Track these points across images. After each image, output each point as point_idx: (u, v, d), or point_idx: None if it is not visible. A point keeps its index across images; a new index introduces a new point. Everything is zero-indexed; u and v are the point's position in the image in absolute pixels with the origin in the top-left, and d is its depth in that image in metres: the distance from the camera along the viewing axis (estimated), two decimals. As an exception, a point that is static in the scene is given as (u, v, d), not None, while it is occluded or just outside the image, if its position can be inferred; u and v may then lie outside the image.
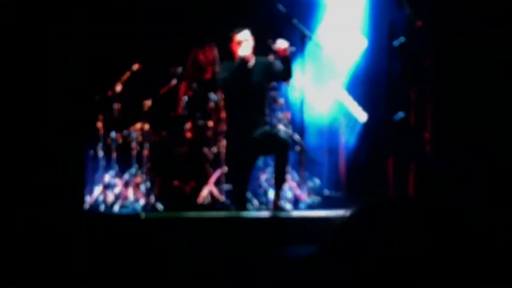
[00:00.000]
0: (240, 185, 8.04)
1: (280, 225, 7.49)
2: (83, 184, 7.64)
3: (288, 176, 8.85)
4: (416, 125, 9.08)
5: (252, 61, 8.02)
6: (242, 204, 8.01)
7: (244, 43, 7.95)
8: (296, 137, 9.46)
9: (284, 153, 7.88)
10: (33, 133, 6.31)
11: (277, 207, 8.00)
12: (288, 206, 8.72)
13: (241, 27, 8.09)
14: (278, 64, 8.05)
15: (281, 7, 8.60)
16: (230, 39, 8.05)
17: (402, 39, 8.75)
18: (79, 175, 6.86)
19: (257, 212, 8.27)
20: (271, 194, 8.96)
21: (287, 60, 7.94)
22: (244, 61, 7.91)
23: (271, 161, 9.15)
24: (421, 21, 9.21)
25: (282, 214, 7.77)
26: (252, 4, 10.33)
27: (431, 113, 9.18)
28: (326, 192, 9.93)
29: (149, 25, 10.06)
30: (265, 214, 7.71)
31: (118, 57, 9.57)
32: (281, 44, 7.83)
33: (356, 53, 10.54)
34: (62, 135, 6.35)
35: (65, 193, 6.40)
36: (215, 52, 9.76)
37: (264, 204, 9.04)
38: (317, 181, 9.98)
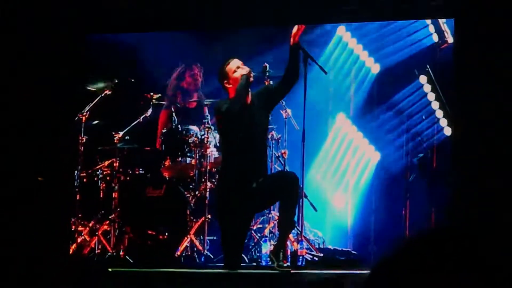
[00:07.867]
0: (236, 241, 6.98)
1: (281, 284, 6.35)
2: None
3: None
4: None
5: (249, 97, 7.07)
6: (235, 261, 6.96)
7: (240, 68, 7.04)
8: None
9: (292, 190, 6.78)
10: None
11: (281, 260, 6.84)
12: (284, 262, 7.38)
13: (228, 58, 7.20)
14: (275, 83, 7.37)
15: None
16: (222, 75, 7.06)
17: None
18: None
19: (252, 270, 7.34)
20: (264, 247, 8.06)
21: (295, 49, 6.95)
22: (248, 79, 6.94)
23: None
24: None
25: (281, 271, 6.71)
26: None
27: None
28: (330, 248, 8.89)
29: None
30: (262, 271, 6.98)
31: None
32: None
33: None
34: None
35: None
36: (200, 75, 8.68)
37: (255, 260, 8.10)
38: (319, 234, 8.97)
